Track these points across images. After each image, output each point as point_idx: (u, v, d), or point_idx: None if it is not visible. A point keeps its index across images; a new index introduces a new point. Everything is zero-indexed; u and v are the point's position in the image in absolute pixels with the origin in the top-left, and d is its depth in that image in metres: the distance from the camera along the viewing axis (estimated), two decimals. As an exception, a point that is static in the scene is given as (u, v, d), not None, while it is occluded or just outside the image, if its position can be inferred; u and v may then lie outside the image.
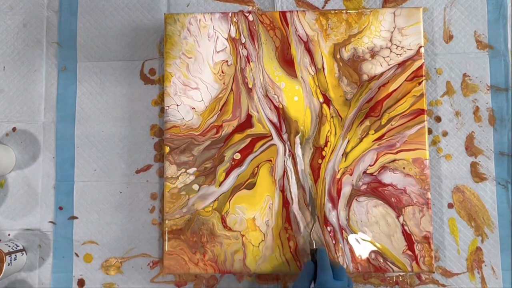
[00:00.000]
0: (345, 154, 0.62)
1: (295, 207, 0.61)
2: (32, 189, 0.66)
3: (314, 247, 0.59)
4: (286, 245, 0.61)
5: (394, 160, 0.61)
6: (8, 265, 0.60)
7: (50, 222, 0.66)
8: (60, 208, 0.66)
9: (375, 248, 0.60)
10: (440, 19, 0.66)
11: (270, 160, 0.62)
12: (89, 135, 0.67)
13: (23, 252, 0.64)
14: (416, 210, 0.60)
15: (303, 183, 0.61)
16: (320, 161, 0.62)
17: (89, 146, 0.67)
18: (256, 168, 0.62)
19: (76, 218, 0.66)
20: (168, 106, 0.63)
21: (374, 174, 0.61)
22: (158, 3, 0.68)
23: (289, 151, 0.62)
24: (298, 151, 0.62)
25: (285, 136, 0.62)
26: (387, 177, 0.61)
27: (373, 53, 0.63)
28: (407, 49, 0.62)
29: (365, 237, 0.60)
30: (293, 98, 0.63)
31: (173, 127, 0.63)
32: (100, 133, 0.67)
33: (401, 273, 0.62)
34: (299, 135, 0.62)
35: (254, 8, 0.68)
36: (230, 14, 0.64)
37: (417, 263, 0.60)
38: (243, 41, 0.64)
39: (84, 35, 0.68)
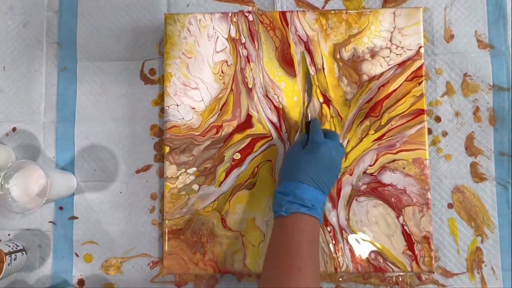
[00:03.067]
0: (345, 154, 0.61)
1: (295, 207, 0.61)
2: (32, 189, 0.66)
3: (309, 119, 0.60)
4: (286, 245, 0.61)
5: (394, 160, 0.61)
6: (8, 265, 0.60)
7: (50, 222, 0.66)
8: (60, 208, 0.66)
9: (375, 248, 0.60)
10: (440, 19, 0.66)
11: (270, 160, 0.62)
12: (89, 135, 0.67)
13: (23, 252, 0.64)
14: (416, 210, 0.60)
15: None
16: (320, 161, 0.62)
17: (89, 146, 0.67)
18: (256, 168, 0.62)
19: (76, 218, 0.66)
20: (168, 106, 0.63)
21: (374, 174, 0.61)
22: (158, 3, 0.68)
23: (289, 151, 0.62)
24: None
25: (285, 136, 0.62)
26: (387, 177, 0.61)
27: (373, 53, 0.62)
28: (407, 49, 0.62)
29: (365, 237, 0.60)
30: (293, 98, 0.63)
31: (173, 127, 0.63)
32: (100, 133, 0.67)
33: (401, 273, 0.62)
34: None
35: (254, 8, 0.67)
36: (230, 14, 0.64)
37: (417, 263, 0.60)
38: (243, 41, 0.63)
39: (84, 35, 0.68)
